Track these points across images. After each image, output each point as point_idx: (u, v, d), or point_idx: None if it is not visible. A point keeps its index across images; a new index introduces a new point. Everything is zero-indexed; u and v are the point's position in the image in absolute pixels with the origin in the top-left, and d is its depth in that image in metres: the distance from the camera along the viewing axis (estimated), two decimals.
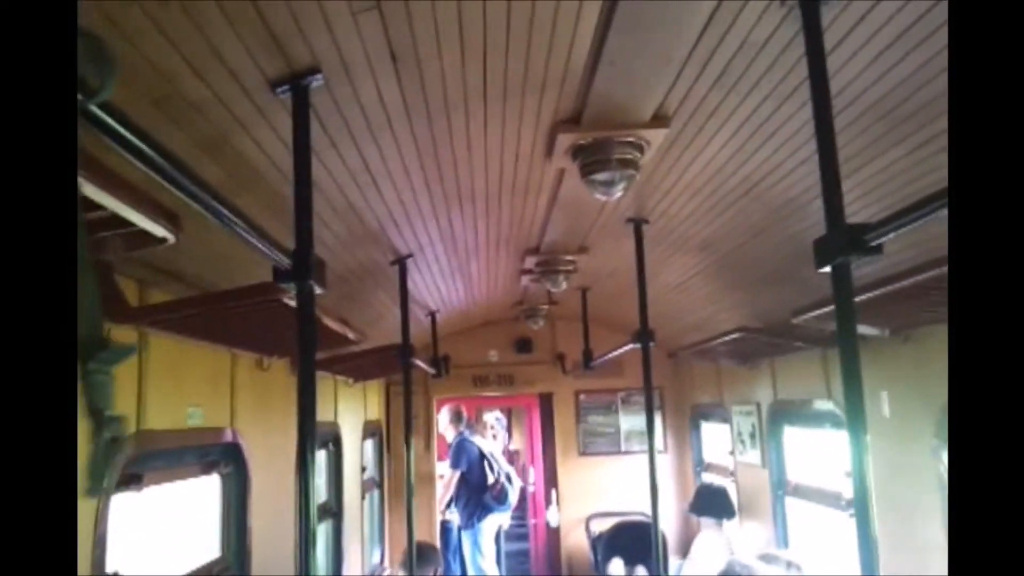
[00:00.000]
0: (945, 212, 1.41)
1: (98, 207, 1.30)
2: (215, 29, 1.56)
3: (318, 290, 1.88)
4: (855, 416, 1.65)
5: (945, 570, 3.25)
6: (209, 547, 3.17)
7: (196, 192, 1.26)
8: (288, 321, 2.57)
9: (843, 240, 1.62)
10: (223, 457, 3.13)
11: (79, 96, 0.86)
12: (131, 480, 2.27)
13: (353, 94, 2.00)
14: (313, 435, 1.78)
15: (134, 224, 1.35)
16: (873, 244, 1.57)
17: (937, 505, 3.22)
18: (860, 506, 1.64)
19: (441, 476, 7.36)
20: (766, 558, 4.66)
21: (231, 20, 1.55)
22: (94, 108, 0.92)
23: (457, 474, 7.11)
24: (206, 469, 3.06)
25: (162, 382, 2.54)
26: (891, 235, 1.53)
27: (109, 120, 0.99)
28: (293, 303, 2.19)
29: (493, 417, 9.15)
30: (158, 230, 1.43)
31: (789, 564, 4.49)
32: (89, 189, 1.24)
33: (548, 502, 7.84)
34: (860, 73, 1.92)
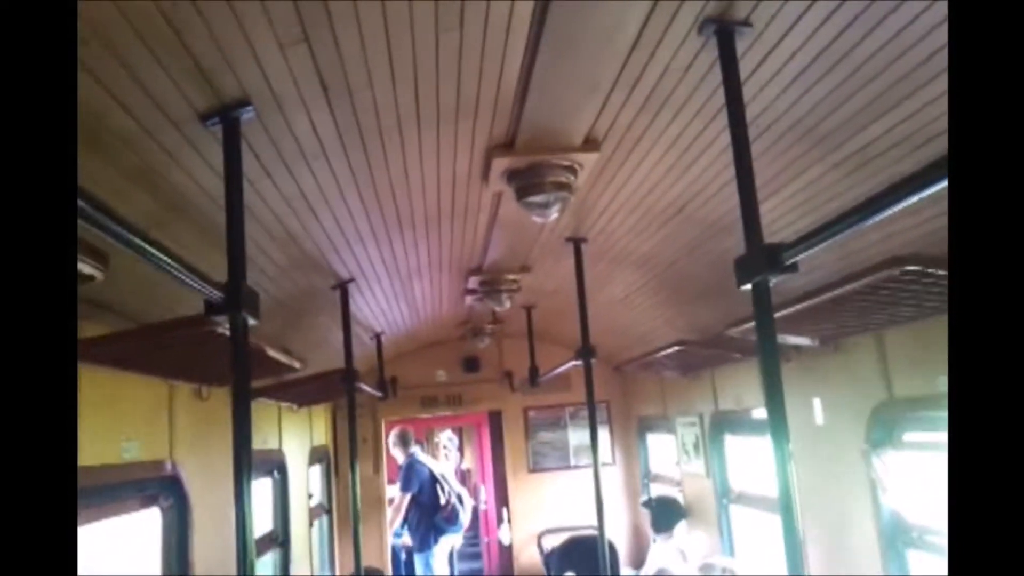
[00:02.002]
0: (854, 227, 1.49)
1: None
2: (140, 63, 1.56)
3: (251, 321, 1.87)
4: (777, 425, 1.73)
5: (872, 570, 3.37)
6: None
7: (119, 232, 1.25)
8: (225, 350, 2.55)
9: (761, 259, 1.70)
10: (162, 490, 3.06)
11: None
12: None
13: (285, 124, 2.01)
14: (249, 466, 1.77)
15: None
16: (789, 263, 1.65)
17: (868, 508, 3.34)
18: (785, 510, 1.71)
19: (391, 500, 7.28)
20: (704, 568, 4.76)
21: (156, 55, 1.55)
22: None
23: (408, 497, 7.05)
24: (145, 503, 2.98)
25: (95, 417, 2.48)
26: (806, 254, 1.60)
27: None
28: (228, 333, 2.17)
29: (445, 437, 9.11)
30: (84, 268, 1.40)
31: (724, 570, 4.58)
32: None
33: (500, 520, 7.83)
34: (777, 97, 2.02)
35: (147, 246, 1.33)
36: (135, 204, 2.01)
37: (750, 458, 5.12)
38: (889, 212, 1.35)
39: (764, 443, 4.71)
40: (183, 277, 1.53)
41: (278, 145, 2.11)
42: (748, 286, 1.77)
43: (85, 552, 2.75)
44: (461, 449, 10.92)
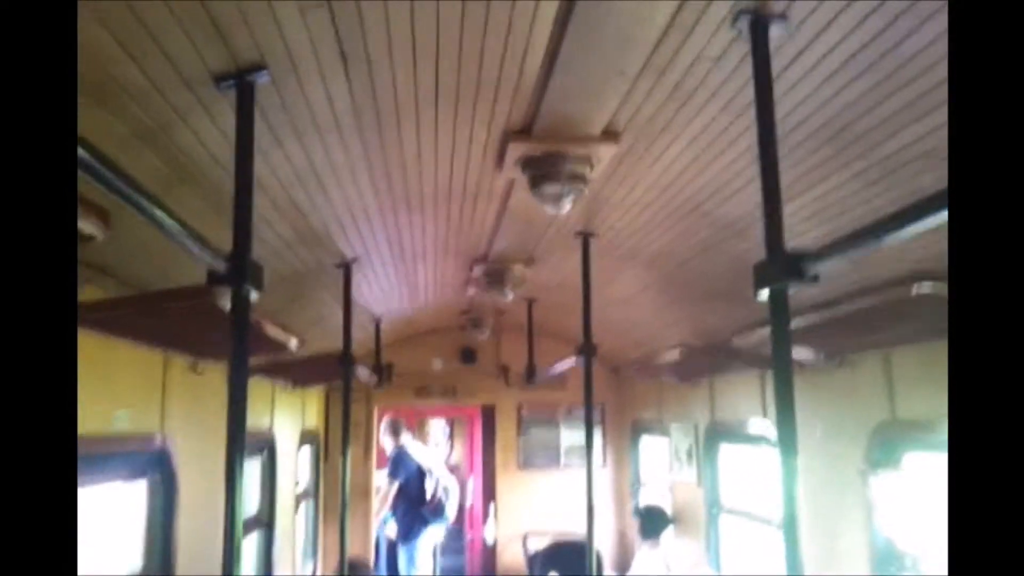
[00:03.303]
0: (882, 241, 1.43)
1: None
2: (155, 16, 1.50)
3: (254, 295, 1.81)
4: (787, 439, 1.67)
5: None
6: (130, 559, 3.03)
7: (125, 190, 1.19)
8: (225, 324, 2.49)
9: (781, 266, 1.64)
10: (150, 464, 3.00)
11: None
12: None
13: (300, 92, 1.95)
14: (242, 445, 1.72)
15: None
16: (811, 272, 1.60)
17: (862, 531, 3.28)
18: (788, 526, 1.66)
19: (378, 489, 7.23)
20: None
21: (172, 8, 1.49)
22: None
23: (395, 485, 7.00)
24: (132, 476, 2.92)
25: (87, 383, 2.42)
26: (829, 264, 1.55)
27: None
28: (228, 307, 2.11)
29: (437, 426, 9.06)
30: (85, 227, 1.34)
31: None
32: None
33: (486, 516, 7.78)
34: (807, 96, 1.96)
35: (152, 207, 1.27)
36: (139, 164, 1.95)
37: (743, 469, 5.08)
38: (925, 226, 1.29)
39: (758, 455, 4.69)
40: (187, 243, 1.47)
41: (291, 114, 2.05)
42: (765, 294, 1.71)
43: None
44: (452, 441, 10.87)
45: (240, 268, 1.72)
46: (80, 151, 1.07)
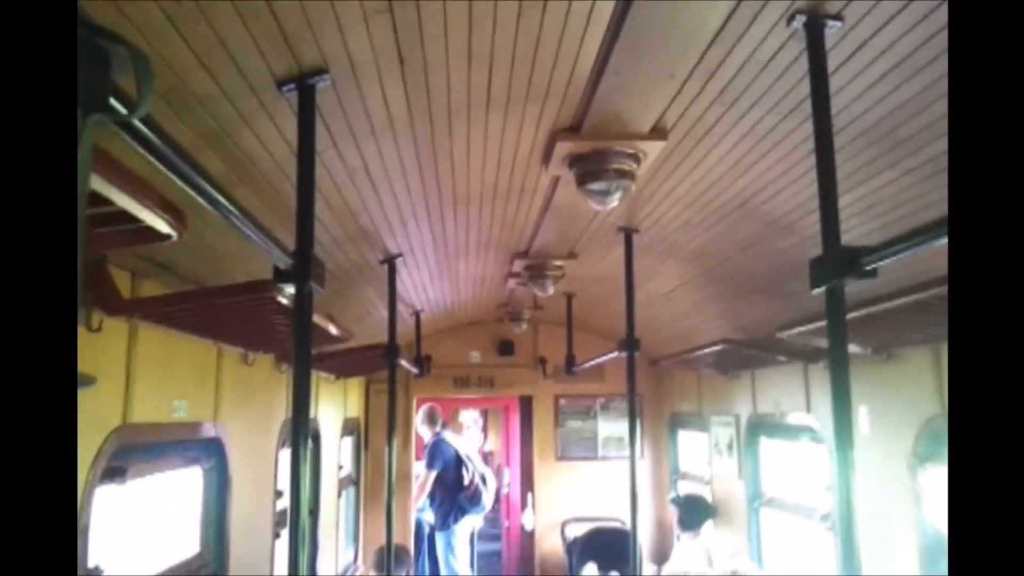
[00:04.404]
0: (940, 239, 1.44)
1: (105, 202, 1.29)
2: (226, 24, 1.56)
3: (316, 291, 1.88)
4: (843, 434, 1.68)
5: None
6: (189, 542, 3.14)
7: (206, 189, 1.25)
8: (276, 317, 2.57)
9: (839, 262, 1.65)
10: (205, 452, 3.11)
11: (122, 110, 0.86)
12: (115, 473, 2.25)
13: (358, 95, 2.00)
14: (307, 435, 1.78)
15: (140, 220, 1.34)
16: (868, 268, 1.61)
17: (911, 522, 3.27)
18: (844, 522, 1.67)
19: (417, 476, 7.34)
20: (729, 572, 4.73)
21: (243, 16, 1.55)
22: (135, 122, 0.93)
23: (432, 475, 7.09)
24: (188, 462, 3.04)
25: (150, 375, 2.52)
26: (888, 260, 1.56)
27: (147, 133, 1.00)
28: (286, 301, 2.19)
29: (471, 418, 9.14)
30: (163, 227, 1.41)
31: None
32: (96, 182, 1.23)
33: (524, 505, 7.85)
34: (860, 95, 1.96)
35: (230, 205, 1.33)
36: (208, 168, 2.02)
37: (785, 462, 5.06)
38: None
39: (801, 449, 4.67)
40: (258, 240, 1.53)
41: (348, 116, 2.11)
42: (821, 289, 1.72)
43: (134, 503, 2.81)
44: (485, 430, 10.97)
45: (304, 265, 1.79)
46: (170, 153, 1.13)
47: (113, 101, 0.89)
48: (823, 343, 3.03)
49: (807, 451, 4.53)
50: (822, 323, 1.82)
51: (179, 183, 1.24)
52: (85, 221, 0.90)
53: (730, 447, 5.48)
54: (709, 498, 5.83)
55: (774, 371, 4.68)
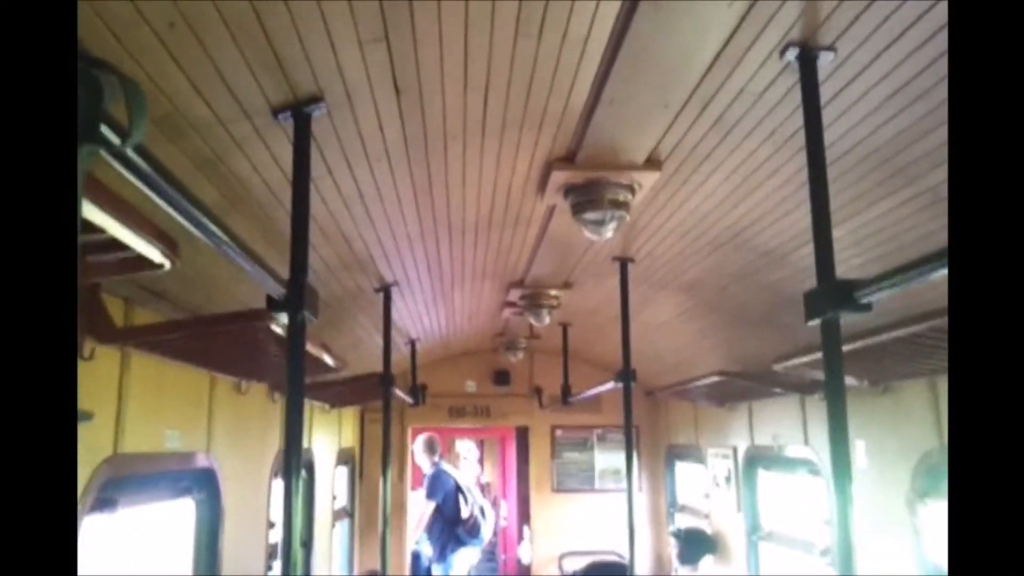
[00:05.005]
0: (935, 272, 1.44)
1: (96, 230, 1.28)
2: (222, 50, 1.56)
3: (310, 320, 1.86)
4: (840, 468, 1.66)
5: None
6: (180, 574, 3.09)
7: (199, 218, 1.25)
8: (270, 346, 2.55)
9: (833, 295, 1.65)
10: (197, 482, 3.07)
11: (114, 139, 0.86)
12: (105, 504, 2.21)
13: (354, 123, 2.01)
14: (300, 466, 1.75)
15: (132, 249, 1.33)
16: (863, 301, 1.60)
17: (911, 557, 3.23)
18: (843, 556, 1.64)
19: (414, 506, 7.26)
20: None
21: (239, 42, 1.56)
22: (129, 151, 0.93)
23: (432, 506, 7.01)
24: (180, 493, 2.99)
25: (142, 404, 2.50)
26: (883, 294, 1.55)
27: (139, 161, 1.00)
28: (280, 330, 2.17)
29: (467, 448, 9.05)
30: (155, 255, 1.40)
31: None
32: (89, 210, 1.22)
33: (520, 537, 7.75)
34: (855, 125, 1.97)
35: (223, 235, 1.33)
36: (201, 194, 2.02)
37: (783, 495, 5.01)
38: None
39: (799, 481, 4.62)
40: (250, 269, 1.52)
41: (343, 144, 2.11)
42: (816, 321, 1.72)
43: (121, 536, 2.76)
44: (481, 461, 10.87)
45: (298, 294, 1.78)
46: (162, 182, 1.13)
47: (105, 130, 0.89)
48: (820, 375, 3.02)
49: (805, 484, 4.49)
50: (818, 355, 1.82)
51: (173, 213, 1.24)
52: (78, 250, 0.89)
53: (728, 479, 5.43)
54: (708, 531, 5.76)
55: (771, 403, 4.65)
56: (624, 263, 3.63)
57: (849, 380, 3.32)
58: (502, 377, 7.37)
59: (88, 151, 0.85)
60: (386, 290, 3.83)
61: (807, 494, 4.54)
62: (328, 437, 5.69)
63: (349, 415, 6.53)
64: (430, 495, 7.01)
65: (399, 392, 4.93)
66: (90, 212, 1.23)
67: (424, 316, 5.02)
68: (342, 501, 6.50)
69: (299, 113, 1.84)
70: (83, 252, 1.42)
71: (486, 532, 7.15)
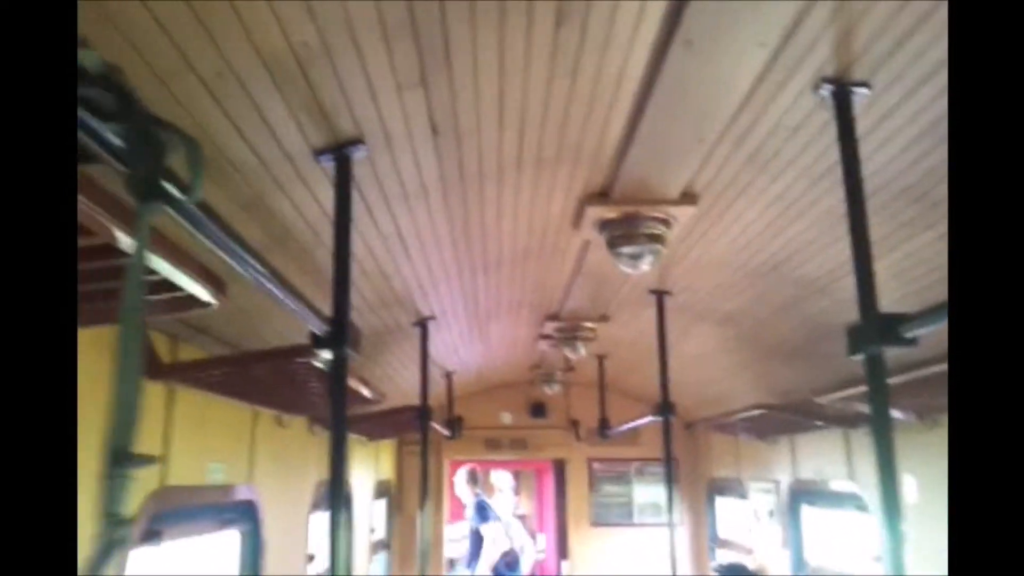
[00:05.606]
0: None
1: (147, 271, 1.33)
2: (266, 96, 1.62)
3: (352, 357, 1.90)
4: (890, 504, 1.63)
5: None
6: None
7: (246, 259, 1.29)
8: (310, 381, 2.59)
9: (876, 329, 1.63)
10: (239, 514, 3.10)
11: (177, 195, 0.90)
12: (152, 535, 2.26)
13: (392, 164, 2.06)
14: (343, 500, 1.77)
15: (182, 289, 1.38)
16: (908, 335, 1.58)
17: None
18: None
19: (454, 539, 7.18)
20: None
21: (282, 89, 1.62)
22: (190, 206, 0.98)
23: (492, 528, 6.85)
24: (223, 525, 3.03)
25: (186, 437, 2.55)
26: (928, 328, 1.53)
27: (194, 209, 1.04)
28: (321, 365, 2.21)
29: (501, 479, 8.98)
30: (205, 295, 1.45)
31: None
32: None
33: (559, 572, 7.64)
34: (892, 159, 1.96)
35: (267, 274, 1.37)
36: (246, 234, 2.08)
37: (828, 530, 4.88)
38: None
39: (846, 517, 4.50)
40: (295, 308, 1.56)
41: (382, 183, 2.16)
42: (860, 356, 1.69)
43: (165, 569, 2.80)
44: (517, 492, 10.77)
45: (341, 332, 1.81)
46: (211, 226, 1.17)
47: (167, 186, 0.93)
48: (864, 408, 2.95)
49: (853, 519, 4.37)
50: (861, 388, 1.79)
51: (223, 256, 1.28)
52: (143, 299, 0.92)
53: (771, 514, 5.31)
54: (750, 567, 5.63)
55: (814, 436, 4.56)
56: (661, 296, 3.63)
57: (895, 414, 3.24)
58: (538, 409, 7.34)
59: (152, 209, 0.89)
60: (423, 324, 3.87)
61: (854, 530, 4.42)
62: (366, 470, 5.71)
63: (386, 447, 6.55)
64: (485, 518, 6.87)
65: (436, 425, 4.94)
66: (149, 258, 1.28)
67: (460, 348, 5.04)
68: (379, 533, 6.49)
69: (340, 155, 1.89)
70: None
71: (525, 566, 7.06)
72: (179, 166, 0.96)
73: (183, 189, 0.93)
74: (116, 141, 0.82)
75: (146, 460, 0.85)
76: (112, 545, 0.81)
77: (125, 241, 1.09)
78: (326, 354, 1.83)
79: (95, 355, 1.69)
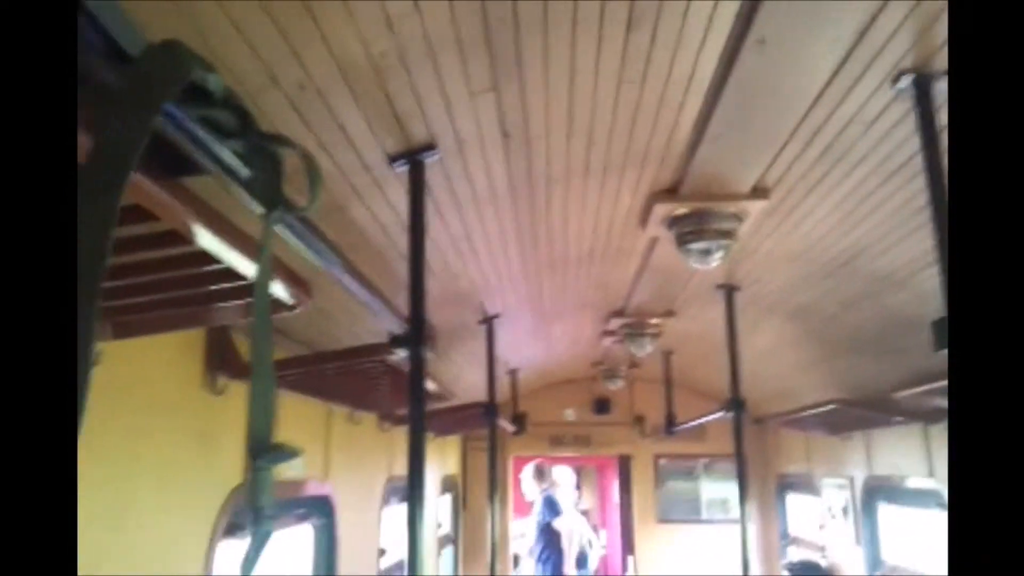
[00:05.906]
0: None
1: (239, 277, 1.39)
2: (345, 108, 1.68)
3: (429, 357, 1.95)
4: None
5: None
6: None
7: (333, 264, 1.34)
8: (383, 378, 2.66)
9: None
10: (315, 509, 3.21)
11: (297, 204, 0.94)
12: (235, 529, 2.36)
13: (463, 168, 2.10)
14: (422, 496, 1.82)
15: (271, 293, 1.44)
16: None
17: None
18: None
19: (523, 534, 7.24)
20: None
21: (359, 100, 1.67)
22: (296, 220, 1.03)
23: (566, 521, 6.89)
24: (299, 520, 3.13)
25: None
26: None
27: (303, 222, 1.10)
28: (394, 363, 2.27)
29: (562, 474, 9.01)
30: (289, 298, 1.51)
31: None
32: (234, 258, 1.33)
33: (624, 569, 7.62)
34: None
35: (352, 278, 1.42)
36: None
37: (908, 528, 4.74)
38: None
39: (926, 515, 4.37)
40: (377, 308, 1.61)
41: (454, 187, 2.20)
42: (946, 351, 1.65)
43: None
44: (579, 488, 10.79)
45: (419, 331, 1.86)
46: (305, 230, 1.22)
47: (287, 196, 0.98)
48: (944, 403, 2.87)
49: (934, 517, 4.23)
50: (942, 383, 1.75)
51: (316, 262, 1.34)
52: (269, 303, 0.96)
53: (845, 511, 5.19)
54: (823, 564, 5.52)
55: (889, 432, 4.43)
56: (730, 291, 3.58)
57: None
58: (602, 405, 7.33)
59: (276, 219, 0.94)
60: (489, 322, 3.91)
61: (934, 528, 4.28)
62: (433, 465, 5.80)
63: (452, 443, 6.64)
64: (554, 513, 6.89)
65: (502, 421, 4.99)
66: (234, 259, 1.33)
67: (524, 346, 5.08)
68: (445, 528, 6.59)
69: (414, 160, 1.94)
70: (224, 297, 1.54)
71: (593, 562, 7.07)
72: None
73: (300, 208, 0.97)
74: (235, 158, 0.87)
75: (289, 453, 0.87)
76: (262, 538, 0.84)
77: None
78: (403, 353, 1.88)
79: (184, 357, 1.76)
